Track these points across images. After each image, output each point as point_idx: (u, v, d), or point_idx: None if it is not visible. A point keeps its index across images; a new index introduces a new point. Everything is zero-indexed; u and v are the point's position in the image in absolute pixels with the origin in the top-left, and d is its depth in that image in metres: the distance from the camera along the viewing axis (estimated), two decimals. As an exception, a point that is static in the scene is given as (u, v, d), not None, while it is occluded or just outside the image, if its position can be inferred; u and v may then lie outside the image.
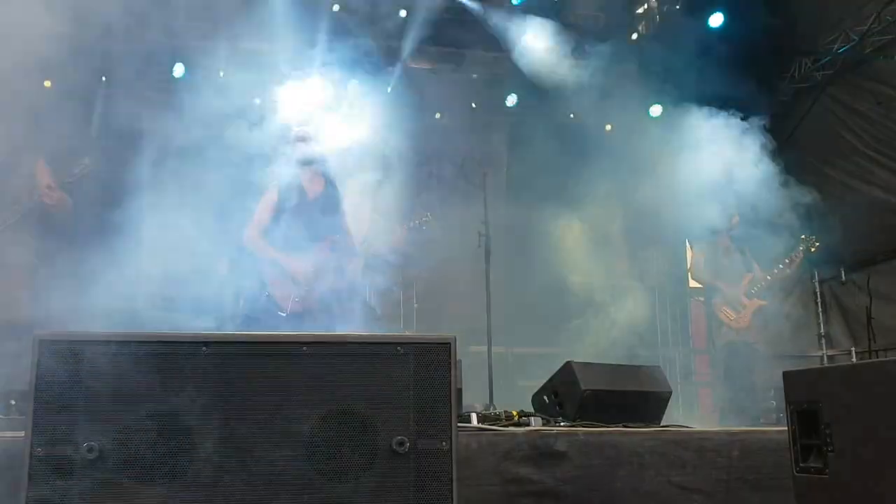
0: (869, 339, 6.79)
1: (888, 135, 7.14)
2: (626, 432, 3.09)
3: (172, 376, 1.90)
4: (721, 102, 6.53)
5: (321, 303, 5.15)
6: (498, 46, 7.78)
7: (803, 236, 6.78)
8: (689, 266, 7.19)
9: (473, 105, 8.39)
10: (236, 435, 1.88)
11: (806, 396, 2.37)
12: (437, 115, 8.48)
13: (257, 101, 8.11)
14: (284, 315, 5.10)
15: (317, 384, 1.92)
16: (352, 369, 1.94)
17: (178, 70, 7.69)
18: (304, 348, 1.94)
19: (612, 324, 8.41)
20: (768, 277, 6.77)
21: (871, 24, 6.90)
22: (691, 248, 9.58)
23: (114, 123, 7.63)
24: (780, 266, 6.76)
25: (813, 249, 6.79)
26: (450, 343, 1.98)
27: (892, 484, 2.04)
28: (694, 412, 9.14)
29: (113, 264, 6.65)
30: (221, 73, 7.70)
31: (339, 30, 7.36)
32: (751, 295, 6.75)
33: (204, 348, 1.91)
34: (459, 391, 3.48)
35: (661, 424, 4.00)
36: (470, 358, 5.55)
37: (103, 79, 7.63)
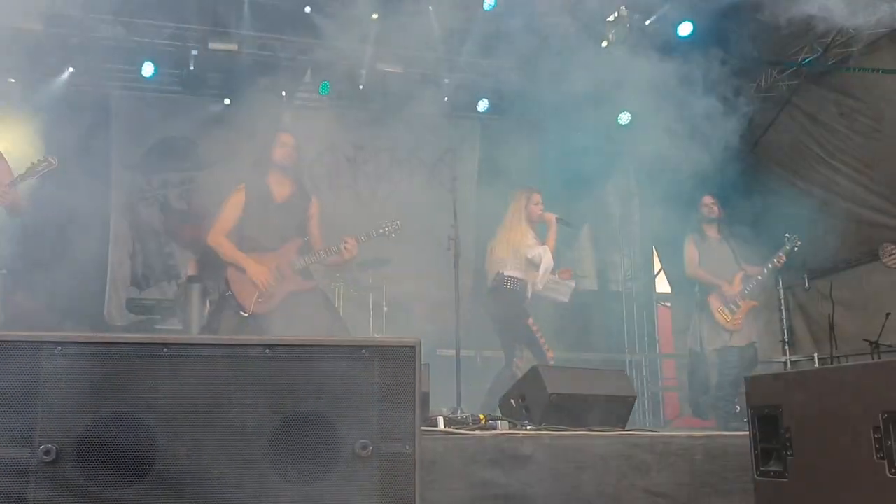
0: (831, 346, 6.89)
1: (851, 145, 7.27)
2: (591, 436, 3.12)
3: (132, 378, 1.87)
4: (689, 110, 6.60)
5: (285, 304, 5.11)
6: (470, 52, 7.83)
7: (787, 235, 6.62)
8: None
9: (445, 99, 8.39)
10: (197, 438, 1.85)
11: (767, 401, 2.40)
12: (408, 120, 8.48)
13: (227, 101, 8.08)
14: (246, 315, 5.05)
15: (279, 387, 1.89)
16: (315, 372, 1.92)
17: (148, 69, 7.62)
18: (267, 351, 1.92)
19: (579, 328, 8.47)
20: (759, 277, 6.58)
21: (835, 36, 7.04)
22: (658, 253, 9.69)
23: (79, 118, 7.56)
24: (770, 266, 6.58)
25: (796, 249, 6.60)
26: (414, 346, 1.97)
27: (848, 487, 2.08)
28: (659, 416, 9.24)
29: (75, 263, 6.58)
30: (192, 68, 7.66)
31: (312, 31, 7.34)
32: (744, 294, 6.53)
33: (165, 350, 1.89)
34: (426, 395, 3.48)
35: (626, 428, 4.04)
36: (438, 362, 5.54)
37: (70, 69, 7.55)
